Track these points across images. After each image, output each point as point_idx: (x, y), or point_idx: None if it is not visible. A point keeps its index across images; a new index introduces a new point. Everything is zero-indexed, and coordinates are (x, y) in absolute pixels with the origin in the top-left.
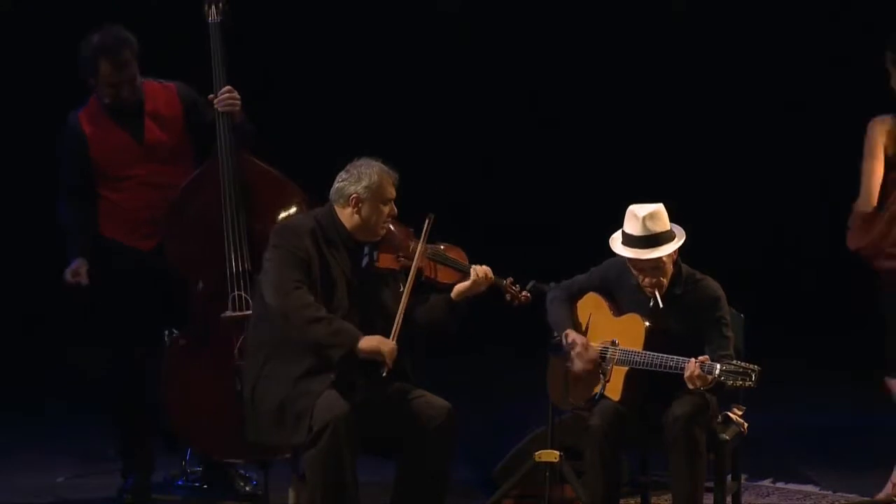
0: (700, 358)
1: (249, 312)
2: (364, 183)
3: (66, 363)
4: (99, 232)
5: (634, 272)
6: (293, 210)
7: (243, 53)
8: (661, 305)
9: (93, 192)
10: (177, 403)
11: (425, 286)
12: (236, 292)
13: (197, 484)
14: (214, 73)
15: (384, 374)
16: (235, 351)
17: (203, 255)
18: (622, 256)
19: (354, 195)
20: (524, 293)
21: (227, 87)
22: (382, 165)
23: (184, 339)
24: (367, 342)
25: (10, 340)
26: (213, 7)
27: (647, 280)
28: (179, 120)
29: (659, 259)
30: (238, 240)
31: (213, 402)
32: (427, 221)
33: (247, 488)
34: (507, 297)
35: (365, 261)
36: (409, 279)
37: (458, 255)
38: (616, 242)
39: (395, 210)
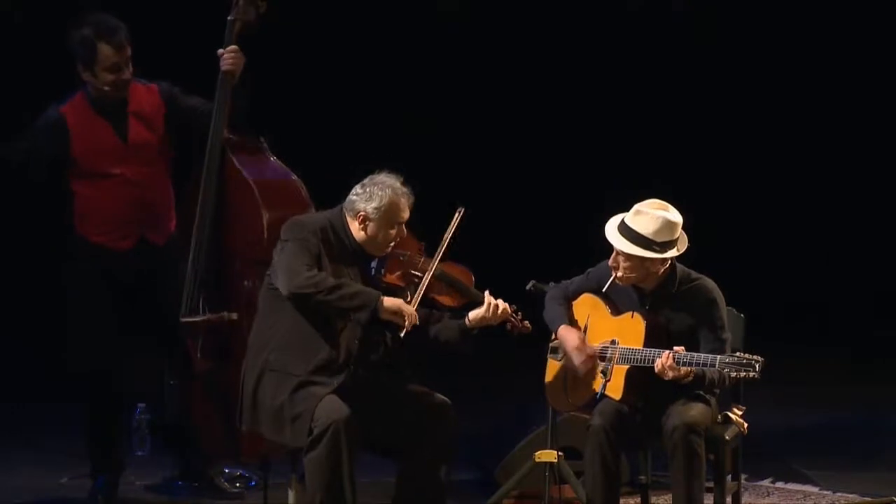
0: (676, 348)
1: (199, 318)
2: (374, 204)
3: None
4: (76, 232)
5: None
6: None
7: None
8: (603, 290)
9: (67, 188)
10: (186, 401)
11: (429, 304)
12: (192, 294)
13: (197, 484)
14: (227, 30)
15: (402, 335)
16: (197, 355)
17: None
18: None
19: (362, 213)
20: (525, 323)
21: (234, 47)
22: (399, 186)
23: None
24: (390, 300)
25: (11, 339)
26: None
27: (611, 259)
28: (161, 119)
29: (634, 256)
30: (206, 228)
31: (205, 403)
32: (457, 214)
33: (232, 490)
34: (508, 326)
35: (372, 271)
36: (418, 289)
37: (465, 276)
38: (612, 224)
39: (405, 232)
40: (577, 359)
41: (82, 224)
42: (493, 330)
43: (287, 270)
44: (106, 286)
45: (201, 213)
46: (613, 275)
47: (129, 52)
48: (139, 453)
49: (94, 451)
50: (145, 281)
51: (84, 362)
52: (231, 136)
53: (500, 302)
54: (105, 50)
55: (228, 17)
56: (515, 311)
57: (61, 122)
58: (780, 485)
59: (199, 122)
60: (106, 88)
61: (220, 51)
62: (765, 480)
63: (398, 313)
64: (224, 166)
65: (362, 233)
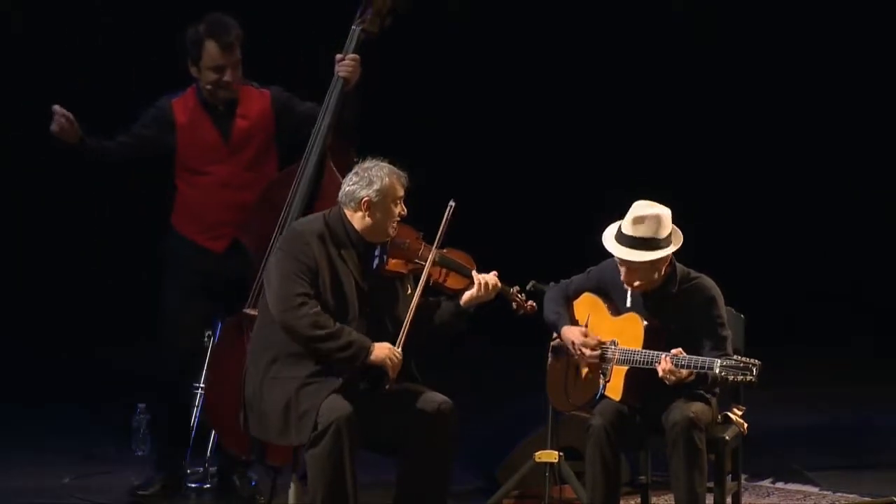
0: (673, 351)
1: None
2: (376, 186)
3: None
4: (174, 227)
5: (620, 267)
6: None
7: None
8: (627, 305)
9: (172, 183)
10: (211, 391)
11: (433, 290)
12: (259, 287)
13: (197, 484)
14: (349, 38)
15: (386, 387)
16: (248, 347)
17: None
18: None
19: (366, 199)
20: (530, 303)
21: (355, 56)
22: (391, 167)
23: (226, 328)
24: (377, 353)
25: (12, 339)
26: None
27: (625, 277)
28: (270, 125)
29: (641, 262)
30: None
31: (234, 396)
32: (448, 209)
33: (246, 489)
34: (513, 305)
35: (375, 263)
36: (419, 284)
37: (465, 260)
38: (609, 235)
39: (405, 210)
40: (583, 353)
41: (179, 220)
42: (493, 330)
43: (279, 299)
44: (199, 286)
45: (290, 209)
46: (629, 289)
47: (237, 54)
48: (139, 453)
49: (163, 449)
50: (233, 285)
51: (168, 366)
52: (334, 142)
53: (489, 278)
54: (211, 48)
55: (353, 27)
56: (519, 292)
57: (169, 113)
58: (780, 485)
59: (310, 127)
60: (208, 87)
61: (339, 56)
62: (765, 480)
63: (383, 366)
64: (322, 169)
65: (368, 219)
